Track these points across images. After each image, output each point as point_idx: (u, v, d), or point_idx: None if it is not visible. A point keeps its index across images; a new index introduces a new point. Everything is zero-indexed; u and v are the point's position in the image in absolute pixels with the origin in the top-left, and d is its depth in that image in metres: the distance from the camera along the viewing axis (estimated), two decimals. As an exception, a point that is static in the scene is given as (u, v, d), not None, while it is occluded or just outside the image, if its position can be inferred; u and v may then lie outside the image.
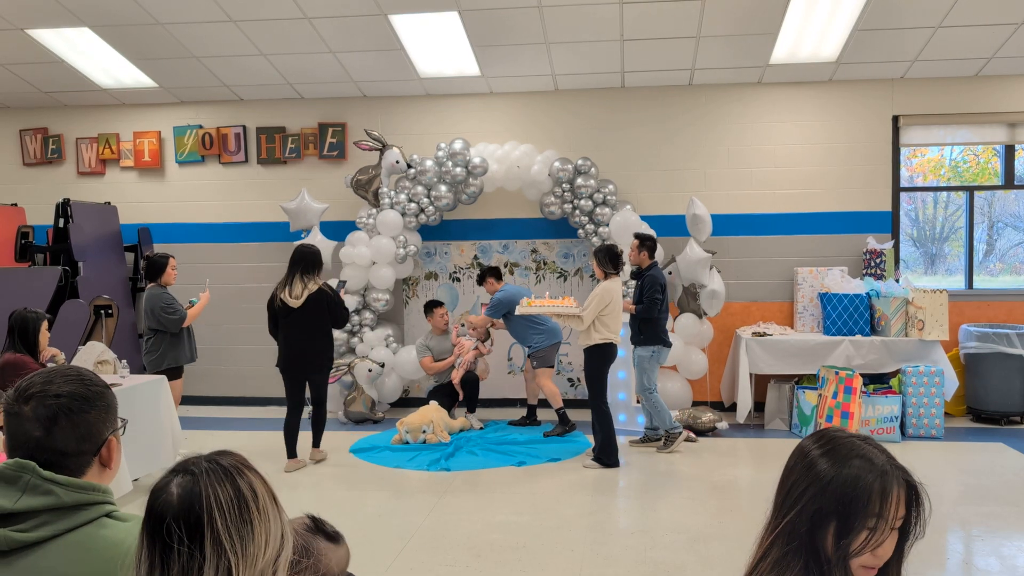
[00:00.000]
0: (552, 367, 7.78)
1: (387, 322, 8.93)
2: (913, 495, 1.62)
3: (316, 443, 6.92)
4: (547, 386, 7.66)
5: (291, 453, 6.74)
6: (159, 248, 9.17)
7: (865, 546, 1.58)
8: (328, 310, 6.61)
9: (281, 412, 8.88)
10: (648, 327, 7.00)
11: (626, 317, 7.25)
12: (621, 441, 7.42)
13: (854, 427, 7.00)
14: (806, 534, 1.62)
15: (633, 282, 7.43)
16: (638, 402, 7.14)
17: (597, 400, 6.69)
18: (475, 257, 9.04)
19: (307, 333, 6.59)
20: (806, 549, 1.62)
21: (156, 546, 1.38)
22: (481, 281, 8.10)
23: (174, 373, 6.76)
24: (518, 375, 9.02)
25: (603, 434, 6.67)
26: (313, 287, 6.57)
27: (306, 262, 6.62)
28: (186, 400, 8.60)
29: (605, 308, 6.60)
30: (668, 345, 7.11)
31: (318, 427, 6.92)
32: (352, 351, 8.57)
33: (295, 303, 6.53)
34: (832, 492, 1.60)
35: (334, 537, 1.91)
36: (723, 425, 7.75)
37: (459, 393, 8.12)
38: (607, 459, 6.65)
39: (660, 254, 7.73)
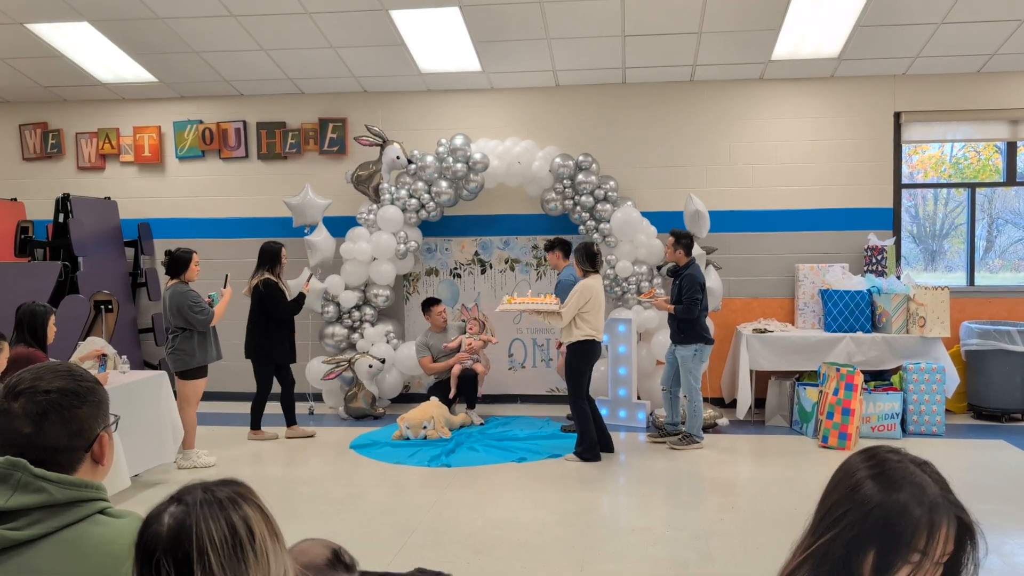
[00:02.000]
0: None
1: (388, 318, 8.91)
2: (966, 533, 1.49)
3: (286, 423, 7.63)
4: None
5: (254, 426, 7.54)
6: (159, 244, 9.14)
7: None
8: (260, 303, 7.28)
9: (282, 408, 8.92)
10: (688, 325, 6.96)
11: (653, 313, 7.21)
12: (621, 436, 7.44)
13: (855, 423, 6.97)
14: (840, 560, 1.50)
15: (646, 278, 7.38)
16: (684, 397, 7.10)
17: (575, 396, 6.74)
18: (475, 253, 9.01)
19: (250, 322, 7.40)
20: (838, 575, 1.50)
21: None
22: (550, 248, 7.75)
23: (200, 372, 6.71)
24: (519, 371, 9.00)
25: (580, 430, 6.72)
26: (255, 281, 7.30)
27: (260, 257, 7.40)
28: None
29: (586, 305, 6.60)
30: (711, 342, 7.08)
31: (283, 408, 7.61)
32: (353, 347, 8.55)
33: (246, 295, 7.42)
34: (875, 520, 1.47)
35: (351, 568, 1.84)
36: (723, 422, 7.73)
37: (451, 390, 8.09)
38: (587, 454, 6.69)
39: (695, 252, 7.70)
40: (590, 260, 6.77)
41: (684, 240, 7.06)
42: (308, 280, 7.80)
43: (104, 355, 6.02)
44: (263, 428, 7.55)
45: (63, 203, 8.56)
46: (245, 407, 8.74)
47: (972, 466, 6.49)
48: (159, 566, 1.31)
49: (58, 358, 5.90)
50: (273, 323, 7.33)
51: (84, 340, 6.78)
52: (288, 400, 7.57)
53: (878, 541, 1.46)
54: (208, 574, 1.31)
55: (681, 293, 6.90)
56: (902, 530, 1.46)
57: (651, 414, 7.87)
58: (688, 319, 6.90)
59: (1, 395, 1.71)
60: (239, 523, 1.35)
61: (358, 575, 1.85)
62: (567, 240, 7.82)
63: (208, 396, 8.37)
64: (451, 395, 8.10)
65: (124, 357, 6.47)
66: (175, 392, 6.58)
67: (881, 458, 1.55)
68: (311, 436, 7.61)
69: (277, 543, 1.40)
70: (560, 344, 7.69)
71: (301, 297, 7.54)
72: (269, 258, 7.34)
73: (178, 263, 6.70)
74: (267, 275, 7.29)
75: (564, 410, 8.42)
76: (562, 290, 7.18)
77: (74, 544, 1.61)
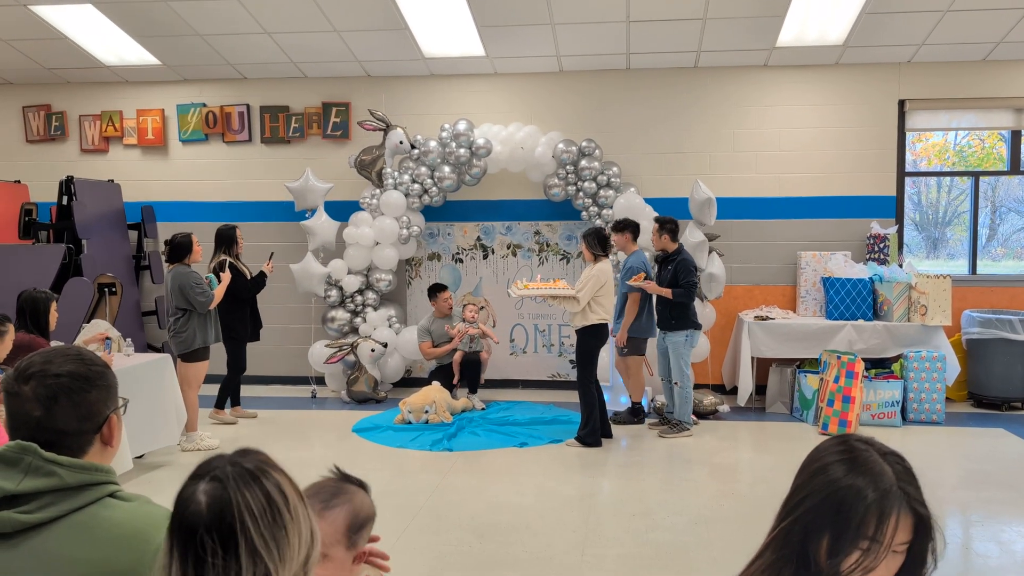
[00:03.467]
0: (643, 355, 7.51)
1: (390, 302, 8.92)
2: (923, 526, 1.50)
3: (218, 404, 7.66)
4: (639, 376, 7.50)
5: (218, 404, 7.64)
6: (163, 227, 9.14)
7: (856, 568, 1.47)
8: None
9: (286, 391, 8.96)
10: (680, 311, 6.93)
11: (609, 301, 7.21)
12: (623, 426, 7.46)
13: (855, 411, 6.99)
14: (798, 544, 1.52)
15: (617, 265, 7.37)
16: (675, 384, 7.08)
17: (586, 380, 6.74)
18: (478, 238, 9.02)
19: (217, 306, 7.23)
20: (797, 558, 1.52)
21: (189, 558, 1.32)
22: (620, 229, 7.36)
23: (201, 354, 6.75)
24: (520, 356, 9.03)
25: (586, 414, 6.73)
26: (213, 263, 7.31)
27: (216, 241, 7.41)
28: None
29: (600, 289, 6.62)
30: (699, 327, 7.08)
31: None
32: (355, 331, 8.57)
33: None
34: (830, 503, 1.50)
35: (362, 485, 1.91)
36: (724, 408, 7.76)
37: (454, 375, 8.12)
38: (589, 439, 6.71)
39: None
40: (601, 245, 6.78)
41: (668, 226, 7.04)
42: (270, 260, 7.82)
43: (108, 338, 6.04)
44: (225, 410, 7.66)
45: (67, 186, 8.56)
46: (242, 389, 8.79)
47: (972, 454, 6.51)
48: (203, 543, 1.31)
49: (62, 340, 5.92)
50: (235, 303, 7.37)
51: (88, 323, 6.80)
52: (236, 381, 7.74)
53: (831, 525, 1.49)
54: (251, 544, 1.32)
55: (677, 278, 6.90)
56: (853, 515, 1.47)
57: (652, 400, 7.89)
58: (679, 304, 6.91)
59: (12, 378, 1.72)
60: (273, 490, 1.37)
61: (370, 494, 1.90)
62: (638, 223, 7.48)
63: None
64: (454, 380, 8.12)
65: (128, 340, 6.50)
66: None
67: (849, 445, 1.57)
68: (253, 417, 7.75)
69: (302, 502, 1.43)
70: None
71: (262, 276, 7.55)
72: (224, 241, 7.35)
73: (179, 249, 6.74)
74: (224, 256, 7.31)
75: (565, 395, 8.45)
76: (628, 275, 7.08)
77: (84, 527, 1.62)
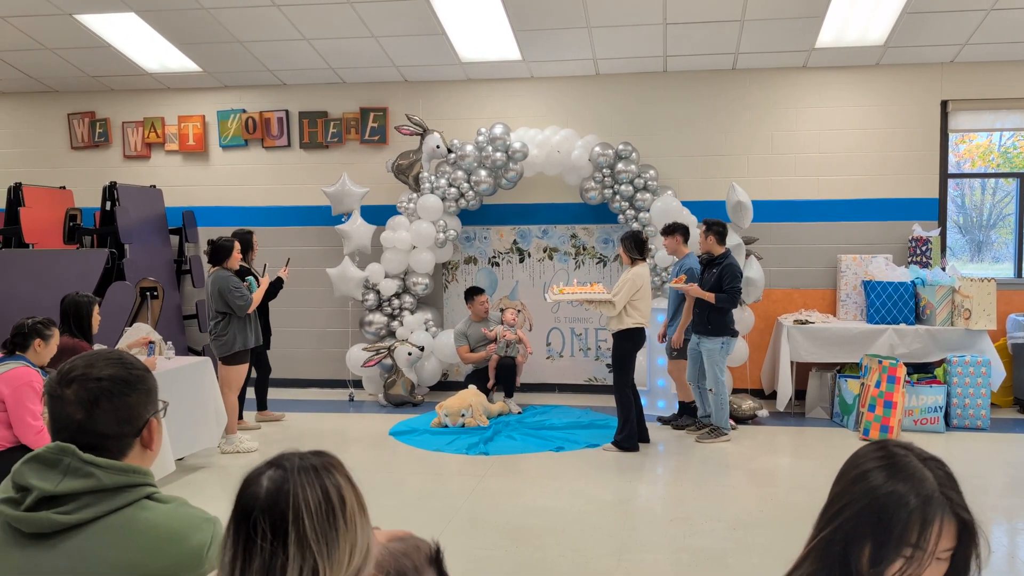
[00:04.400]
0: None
1: (427, 306, 8.95)
2: (967, 532, 1.47)
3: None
4: (684, 377, 7.47)
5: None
6: (203, 232, 9.24)
7: None
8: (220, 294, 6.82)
9: (324, 394, 9.02)
10: (717, 317, 6.84)
11: (655, 304, 7.16)
12: (656, 425, 7.45)
13: (897, 416, 6.88)
14: (840, 552, 1.49)
15: (665, 268, 7.33)
16: (710, 390, 7.04)
17: (622, 384, 6.70)
18: (514, 242, 9.01)
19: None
20: (839, 567, 1.49)
21: (240, 537, 1.37)
22: (670, 232, 7.34)
23: (241, 357, 6.81)
24: (556, 360, 9.01)
25: (623, 418, 6.69)
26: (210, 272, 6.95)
27: (210, 255, 6.94)
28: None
29: (636, 293, 6.58)
30: (736, 335, 7.00)
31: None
32: (392, 335, 8.60)
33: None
34: (872, 511, 1.46)
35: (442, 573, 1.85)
36: (763, 413, 7.67)
37: (490, 379, 8.15)
38: (626, 443, 6.67)
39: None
40: (639, 248, 6.75)
41: (716, 228, 6.97)
42: (286, 265, 7.87)
43: (152, 341, 6.12)
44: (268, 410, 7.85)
45: (110, 191, 8.70)
46: (279, 392, 8.88)
47: (1018, 461, 6.36)
48: (256, 525, 1.35)
49: (105, 344, 6.00)
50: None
51: (130, 326, 6.89)
52: (263, 384, 7.81)
53: (873, 533, 1.45)
54: (301, 536, 1.35)
55: (722, 282, 6.84)
56: (895, 522, 1.44)
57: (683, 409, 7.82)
58: (717, 309, 6.85)
59: (55, 382, 1.75)
60: (332, 491, 1.41)
61: None
62: (687, 226, 7.47)
63: (275, 383, 8.65)
64: (489, 384, 8.12)
65: (169, 343, 6.58)
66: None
67: (888, 451, 1.53)
68: (278, 420, 7.81)
69: (364, 515, 1.46)
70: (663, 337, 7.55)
71: (279, 281, 7.67)
72: (241, 246, 7.07)
73: (220, 252, 6.80)
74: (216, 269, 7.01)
75: (601, 400, 8.43)
76: (692, 277, 7.05)
77: (121, 529, 1.64)
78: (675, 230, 7.33)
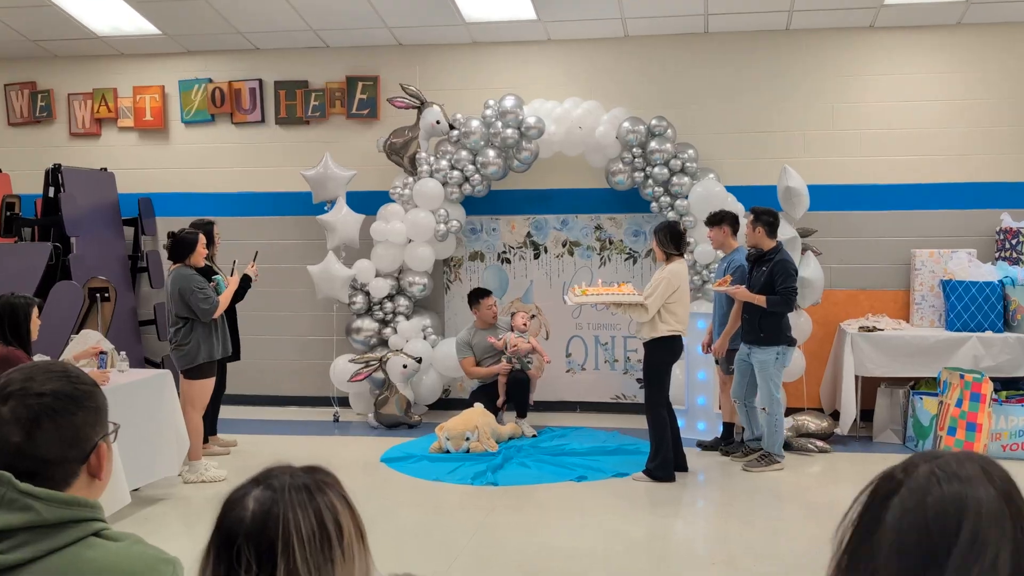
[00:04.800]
0: None
1: (425, 310, 8.96)
2: None
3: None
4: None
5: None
6: (163, 223, 9.23)
7: None
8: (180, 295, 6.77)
9: (304, 414, 9.03)
10: (772, 323, 6.82)
11: (683, 307, 7.15)
12: (696, 451, 7.43)
13: (982, 441, 6.85)
14: None
15: (709, 265, 7.31)
16: (763, 409, 7.01)
17: (655, 402, 6.69)
18: (528, 234, 9.02)
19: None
20: None
21: (221, 568, 1.37)
22: (716, 222, 7.33)
23: (207, 370, 6.80)
24: (578, 374, 9.01)
25: (657, 442, 6.68)
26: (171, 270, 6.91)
27: (170, 251, 6.94)
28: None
29: (673, 295, 6.55)
30: (793, 343, 6.98)
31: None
32: (384, 343, 8.62)
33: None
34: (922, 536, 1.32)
35: None
36: (820, 445, 7.59)
37: (499, 396, 8.16)
38: (660, 472, 6.63)
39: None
40: (675, 242, 6.72)
41: (765, 218, 6.94)
42: (254, 261, 7.82)
43: (102, 352, 6.13)
44: (219, 435, 7.75)
45: (54, 175, 8.71)
46: (251, 411, 8.89)
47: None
48: (240, 554, 1.35)
49: (47, 354, 6.00)
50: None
51: (78, 334, 6.91)
52: (213, 404, 7.49)
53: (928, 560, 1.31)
54: (292, 569, 1.35)
55: (774, 281, 6.81)
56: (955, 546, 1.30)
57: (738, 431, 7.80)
58: (772, 315, 6.82)
59: None
60: (328, 515, 1.42)
61: None
62: (736, 214, 7.47)
63: (243, 400, 8.74)
64: (499, 402, 8.13)
65: (123, 354, 6.57)
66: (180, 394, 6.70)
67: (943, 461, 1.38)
68: (231, 447, 7.71)
69: (363, 543, 1.46)
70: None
71: (247, 280, 7.56)
72: (180, 249, 6.88)
73: (181, 246, 6.78)
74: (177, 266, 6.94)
75: (631, 420, 8.42)
76: (741, 277, 7.03)
77: (64, 571, 1.62)
78: (722, 219, 7.31)
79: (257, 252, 8.15)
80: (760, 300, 6.78)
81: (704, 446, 7.58)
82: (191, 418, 6.68)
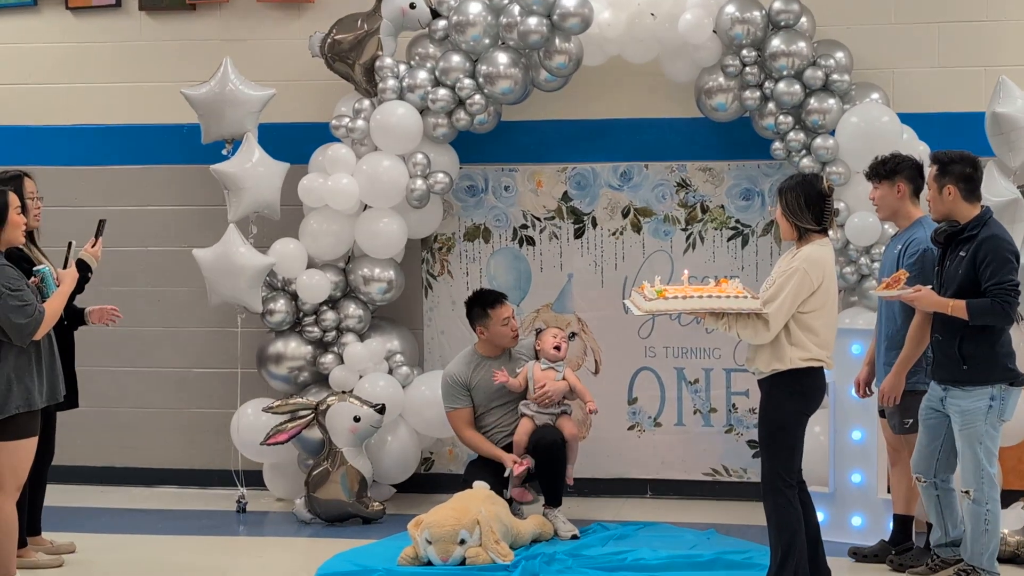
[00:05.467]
0: None
1: (391, 324, 8.96)
2: None
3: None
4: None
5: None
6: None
7: None
8: None
9: (189, 500, 8.99)
10: (978, 346, 6.67)
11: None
12: (848, 562, 7.39)
13: None
14: None
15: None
16: (965, 493, 6.87)
17: (779, 481, 6.55)
18: (564, 196, 9.01)
19: None
20: None
21: None
22: (885, 175, 7.20)
23: (24, 425, 6.65)
24: (649, 432, 8.99)
25: (783, 548, 6.53)
26: None
27: None
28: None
29: (809, 299, 6.42)
30: (1020, 381, 6.83)
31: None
32: (322, 381, 8.58)
33: None
34: None
35: None
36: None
37: (519, 465, 8.04)
38: None
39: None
40: (814, 209, 6.54)
41: (959, 169, 6.79)
42: (97, 234, 7.63)
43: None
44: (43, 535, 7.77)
45: None
46: (96, 497, 8.85)
47: None
48: None
49: None
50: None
51: None
52: (38, 485, 7.60)
53: None
54: None
55: (977, 275, 6.70)
56: None
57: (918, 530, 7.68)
58: (980, 332, 6.68)
59: None
60: None
61: None
62: (918, 162, 7.38)
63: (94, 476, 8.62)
64: (514, 478, 8.05)
65: None
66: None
67: None
68: (66, 555, 7.66)
69: None
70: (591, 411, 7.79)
71: (83, 269, 7.37)
72: None
73: None
74: None
75: (737, 511, 8.41)
76: (923, 269, 6.97)
77: None
78: (896, 170, 7.19)
79: (103, 222, 7.99)
80: (958, 307, 6.63)
81: (863, 555, 7.51)
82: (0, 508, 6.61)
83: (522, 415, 8.06)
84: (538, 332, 8.34)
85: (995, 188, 7.63)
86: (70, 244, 7.40)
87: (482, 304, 8.25)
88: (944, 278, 6.73)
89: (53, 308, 6.72)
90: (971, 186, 6.74)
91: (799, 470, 6.61)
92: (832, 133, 8.15)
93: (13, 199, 6.70)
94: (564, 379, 8.06)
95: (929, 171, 6.90)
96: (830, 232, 6.63)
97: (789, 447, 6.53)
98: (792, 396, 6.48)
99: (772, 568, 6.58)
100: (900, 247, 7.16)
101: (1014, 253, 6.64)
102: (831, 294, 6.47)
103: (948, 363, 6.72)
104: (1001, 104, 7.71)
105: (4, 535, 6.62)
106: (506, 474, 7.98)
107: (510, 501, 7.94)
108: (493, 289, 8.53)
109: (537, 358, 8.17)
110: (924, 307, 6.69)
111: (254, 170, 8.48)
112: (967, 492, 6.79)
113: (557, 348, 8.13)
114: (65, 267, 7.16)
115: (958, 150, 6.90)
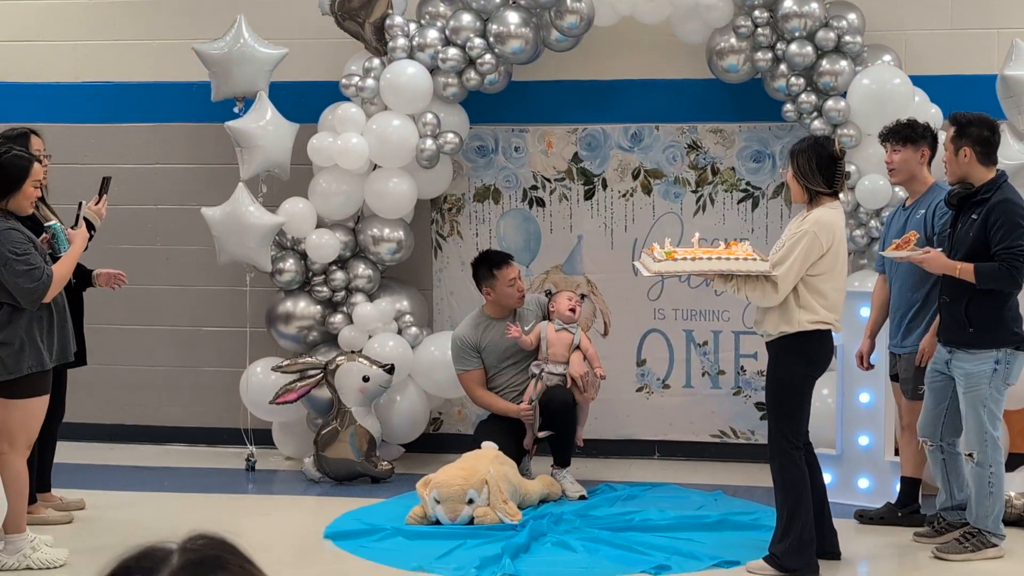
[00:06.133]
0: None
1: (400, 284, 8.99)
2: None
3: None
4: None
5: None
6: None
7: None
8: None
9: (199, 458, 9.04)
10: (983, 309, 6.71)
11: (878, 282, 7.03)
12: (853, 524, 7.41)
13: None
14: None
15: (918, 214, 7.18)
16: (969, 456, 6.90)
17: (786, 443, 6.61)
18: (575, 158, 9.00)
19: None
20: None
21: None
22: (907, 139, 7.22)
23: (37, 384, 6.73)
24: (657, 394, 9.01)
25: (789, 509, 6.59)
26: None
27: None
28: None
29: (820, 261, 6.46)
30: None
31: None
32: (331, 341, 8.62)
33: None
34: None
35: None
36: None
37: (534, 426, 8.11)
38: (792, 560, 6.56)
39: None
40: (825, 172, 6.56)
41: (975, 131, 6.79)
42: (101, 193, 7.54)
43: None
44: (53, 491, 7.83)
45: None
46: (107, 455, 8.88)
47: None
48: None
49: None
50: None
51: None
52: (47, 443, 7.66)
53: None
54: None
55: (989, 238, 6.69)
56: None
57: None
58: (988, 296, 6.69)
59: None
60: None
61: None
62: (933, 129, 7.40)
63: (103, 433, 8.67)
64: (525, 441, 8.11)
65: None
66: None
67: None
68: (75, 512, 7.74)
69: None
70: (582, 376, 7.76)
71: (87, 229, 7.27)
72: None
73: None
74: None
75: (744, 473, 8.45)
76: (935, 236, 7.02)
77: None
78: (912, 136, 7.21)
79: (107, 179, 7.97)
80: (966, 270, 6.66)
81: (869, 517, 7.54)
82: (10, 464, 6.66)
83: (531, 375, 8.10)
84: (550, 295, 8.38)
85: (1007, 151, 7.62)
86: (80, 204, 7.41)
87: (488, 265, 8.29)
88: (955, 241, 6.76)
89: (62, 271, 6.73)
90: (987, 149, 6.77)
91: (806, 432, 6.65)
92: (844, 95, 8.14)
93: (36, 171, 6.72)
94: (575, 340, 8.13)
95: (946, 132, 6.92)
96: (841, 195, 6.67)
97: (796, 409, 6.58)
98: (800, 358, 6.53)
99: (778, 529, 6.62)
100: (923, 211, 7.18)
101: None
102: (840, 257, 6.50)
103: (954, 325, 6.77)
104: (1012, 67, 7.72)
105: (15, 491, 6.68)
106: (526, 442, 8.11)
107: (520, 459, 8.01)
108: (499, 250, 8.57)
109: (549, 318, 8.23)
110: (932, 269, 6.73)
111: (267, 128, 8.50)
112: (971, 455, 6.83)
113: (572, 311, 8.18)
114: (75, 227, 7.19)
115: (976, 112, 6.92)
